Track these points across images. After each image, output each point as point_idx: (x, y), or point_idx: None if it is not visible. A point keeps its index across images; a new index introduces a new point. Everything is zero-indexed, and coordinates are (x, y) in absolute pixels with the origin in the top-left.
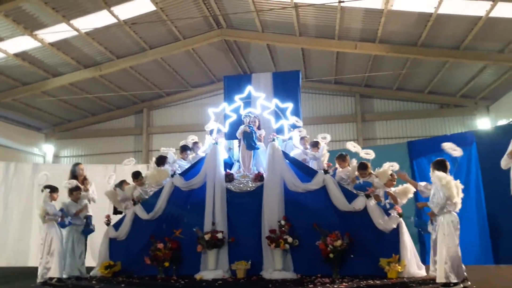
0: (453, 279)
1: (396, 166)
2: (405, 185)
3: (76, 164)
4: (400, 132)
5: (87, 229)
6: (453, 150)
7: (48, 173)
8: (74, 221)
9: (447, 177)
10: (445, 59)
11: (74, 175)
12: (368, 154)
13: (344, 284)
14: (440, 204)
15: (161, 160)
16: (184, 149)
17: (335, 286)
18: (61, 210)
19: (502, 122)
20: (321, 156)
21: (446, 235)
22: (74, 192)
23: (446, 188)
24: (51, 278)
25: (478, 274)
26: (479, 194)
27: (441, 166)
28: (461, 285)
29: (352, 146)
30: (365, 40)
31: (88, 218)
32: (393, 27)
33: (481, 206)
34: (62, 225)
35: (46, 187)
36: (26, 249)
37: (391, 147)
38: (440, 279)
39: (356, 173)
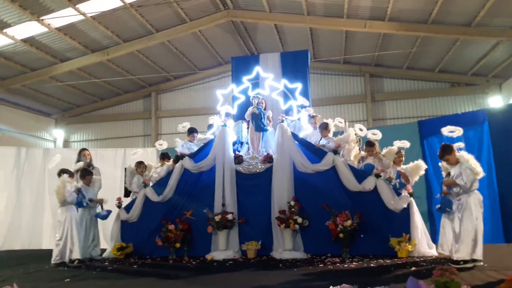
0: (479, 256)
1: (407, 144)
2: (416, 162)
3: (82, 150)
4: (410, 112)
5: (101, 214)
6: (451, 132)
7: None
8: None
9: (471, 156)
10: (456, 36)
11: (79, 161)
12: (375, 135)
13: (354, 263)
14: (469, 183)
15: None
16: (191, 131)
17: (345, 265)
18: (79, 191)
19: None
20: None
21: (475, 213)
22: (87, 176)
23: (476, 166)
24: (72, 260)
25: (489, 253)
26: (491, 173)
27: (451, 149)
28: (472, 264)
29: (359, 130)
30: (375, 19)
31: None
32: (403, 5)
33: (493, 184)
34: (79, 204)
35: (63, 172)
36: (40, 232)
37: (401, 126)
38: (464, 255)
39: (364, 152)
